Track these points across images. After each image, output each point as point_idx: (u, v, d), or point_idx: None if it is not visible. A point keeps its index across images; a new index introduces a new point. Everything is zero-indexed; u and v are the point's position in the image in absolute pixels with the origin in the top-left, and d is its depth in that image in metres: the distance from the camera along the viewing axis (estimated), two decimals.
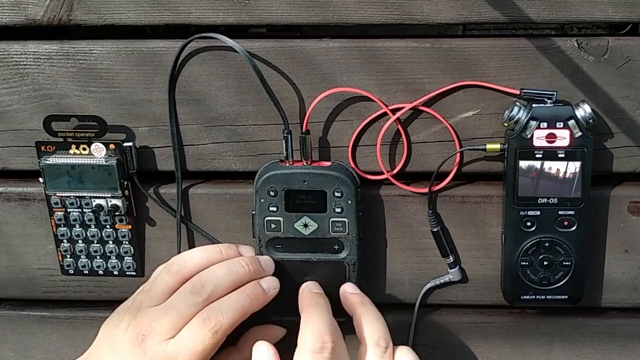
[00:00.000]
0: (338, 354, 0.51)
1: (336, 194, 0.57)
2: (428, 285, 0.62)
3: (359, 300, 0.57)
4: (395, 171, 0.60)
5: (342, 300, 0.58)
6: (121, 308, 0.57)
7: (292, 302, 0.58)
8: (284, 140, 0.57)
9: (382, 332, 0.54)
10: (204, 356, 0.52)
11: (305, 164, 0.58)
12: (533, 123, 0.55)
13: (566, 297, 0.59)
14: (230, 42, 0.56)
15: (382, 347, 0.53)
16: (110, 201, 0.61)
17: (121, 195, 0.60)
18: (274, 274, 0.59)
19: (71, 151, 0.60)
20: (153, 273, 0.58)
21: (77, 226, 0.62)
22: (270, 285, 0.57)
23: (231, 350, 0.59)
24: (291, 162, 0.58)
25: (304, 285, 0.59)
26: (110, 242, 0.63)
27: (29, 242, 0.64)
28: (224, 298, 0.54)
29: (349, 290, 0.58)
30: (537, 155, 0.56)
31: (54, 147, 0.60)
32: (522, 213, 0.57)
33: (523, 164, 0.56)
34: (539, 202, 0.57)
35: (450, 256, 0.61)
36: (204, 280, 0.54)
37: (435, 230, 0.61)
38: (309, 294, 0.57)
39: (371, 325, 0.55)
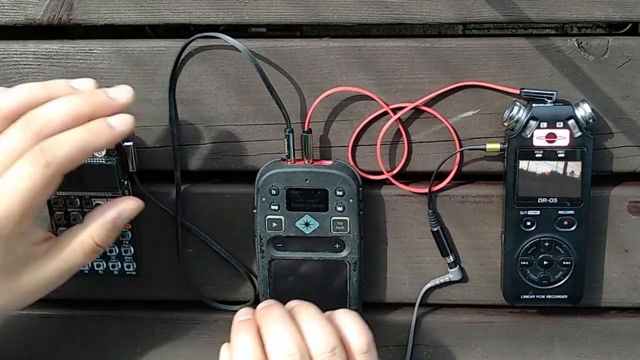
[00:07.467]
0: None
1: (338, 192, 0.57)
2: (428, 285, 0.62)
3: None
4: (395, 171, 0.60)
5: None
6: None
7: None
8: (285, 139, 0.57)
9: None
10: (34, 194, 0.46)
11: (306, 162, 0.58)
12: (533, 123, 0.55)
13: (566, 296, 0.59)
14: (232, 41, 0.56)
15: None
16: None
17: (121, 195, 0.60)
18: (272, 272, 0.59)
19: None
20: None
21: None
22: (120, 121, 0.48)
23: (78, 227, 0.52)
24: (293, 161, 0.58)
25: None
26: None
27: None
28: (60, 134, 0.47)
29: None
30: (537, 155, 0.56)
31: None
32: (522, 213, 0.57)
33: (523, 163, 0.56)
34: (538, 201, 0.57)
35: (450, 256, 0.61)
36: (35, 114, 0.48)
37: (435, 230, 0.61)
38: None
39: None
